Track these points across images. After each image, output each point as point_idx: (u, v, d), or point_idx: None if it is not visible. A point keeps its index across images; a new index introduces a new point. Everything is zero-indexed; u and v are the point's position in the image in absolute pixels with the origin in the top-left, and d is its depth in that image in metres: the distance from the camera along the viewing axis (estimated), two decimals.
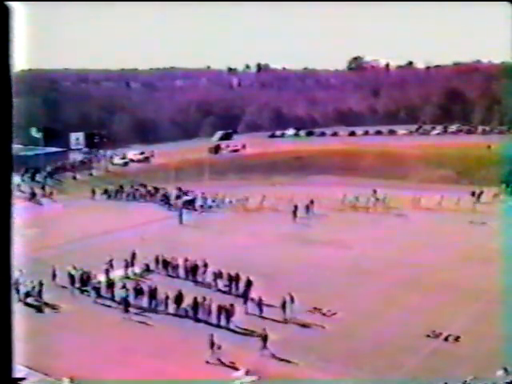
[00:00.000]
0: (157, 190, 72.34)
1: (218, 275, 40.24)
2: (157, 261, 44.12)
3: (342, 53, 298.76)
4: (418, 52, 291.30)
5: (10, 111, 5.43)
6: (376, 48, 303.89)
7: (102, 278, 40.37)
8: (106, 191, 72.51)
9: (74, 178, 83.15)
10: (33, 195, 70.70)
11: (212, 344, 29.91)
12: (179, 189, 70.20)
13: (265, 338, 30.57)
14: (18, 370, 10.10)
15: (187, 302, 35.54)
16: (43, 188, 74.08)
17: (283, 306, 34.36)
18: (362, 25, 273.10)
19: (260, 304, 35.73)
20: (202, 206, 66.28)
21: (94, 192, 71.59)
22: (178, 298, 36.05)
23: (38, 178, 79.56)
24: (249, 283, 38.05)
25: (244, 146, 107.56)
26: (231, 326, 33.18)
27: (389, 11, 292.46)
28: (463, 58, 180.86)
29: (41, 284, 38.26)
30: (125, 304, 36.63)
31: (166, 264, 43.73)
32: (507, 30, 18.44)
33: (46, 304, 37.63)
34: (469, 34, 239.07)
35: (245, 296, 37.03)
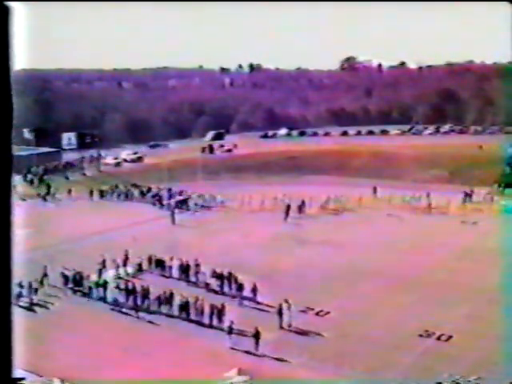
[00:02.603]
0: (149, 189, 72.26)
1: (210, 275, 40.34)
2: (149, 261, 44.13)
3: (335, 53, 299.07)
4: (417, 52, 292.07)
5: (9, 111, 5.44)
6: (376, 49, 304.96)
7: (94, 278, 40.33)
8: (98, 191, 72.23)
9: (67, 178, 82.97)
10: (46, 195, 71.11)
11: (230, 331, 31.02)
12: (171, 189, 70.11)
13: (257, 337, 30.68)
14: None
15: (181, 302, 35.65)
16: (48, 187, 74.05)
17: (279, 312, 33.74)
18: (359, 25, 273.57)
19: (254, 291, 37.09)
20: (195, 206, 66.30)
21: (91, 193, 71.45)
22: (170, 298, 36.10)
23: (30, 178, 79.32)
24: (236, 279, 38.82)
25: (235, 146, 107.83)
26: (224, 326, 33.11)
27: (386, 12, 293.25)
28: (463, 58, 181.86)
29: (33, 284, 38.21)
30: (116, 304, 36.68)
31: (158, 264, 43.73)
32: (507, 30, 18.49)
33: (39, 305, 37.62)
34: (469, 34, 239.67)
35: (239, 289, 37.87)
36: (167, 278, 42.46)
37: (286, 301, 34.12)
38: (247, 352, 30.55)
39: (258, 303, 36.90)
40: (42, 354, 28.88)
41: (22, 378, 17.04)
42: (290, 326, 33.48)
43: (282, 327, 33.37)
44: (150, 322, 35.04)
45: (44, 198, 70.73)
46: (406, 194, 65.10)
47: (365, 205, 63.50)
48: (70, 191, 72.24)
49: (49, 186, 74.53)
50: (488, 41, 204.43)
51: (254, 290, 37.56)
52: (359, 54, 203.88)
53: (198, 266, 41.80)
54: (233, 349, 30.83)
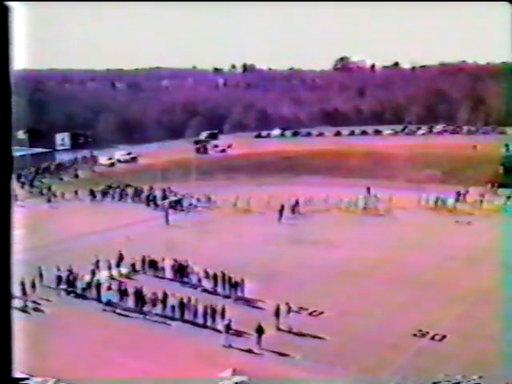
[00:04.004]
0: (143, 190, 72.13)
1: (204, 275, 40.38)
2: (143, 261, 44.08)
3: (328, 53, 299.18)
4: (416, 53, 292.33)
5: (8, 111, 5.41)
6: (369, 49, 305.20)
7: (88, 278, 40.27)
8: (92, 192, 72.10)
9: (60, 178, 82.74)
10: (52, 196, 71.17)
11: (228, 329, 31.48)
12: (165, 189, 70.05)
13: (260, 332, 30.95)
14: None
15: (175, 302, 35.66)
16: (50, 189, 73.92)
17: (277, 313, 33.56)
18: (352, 25, 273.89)
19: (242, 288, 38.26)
20: (188, 206, 66.25)
21: (92, 192, 71.63)
22: (164, 299, 36.07)
23: (23, 179, 78.93)
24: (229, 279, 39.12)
25: (230, 146, 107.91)
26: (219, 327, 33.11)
27: (381, 12, 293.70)
28: (463, 58, 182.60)
29: (25, 285, 38.11)
30: (110, 305, 36.71)
31: (152, 264, 43.68)
32: (507, 30, 18.56)
33: (33, 305, 37.55)
34: (469, 34, 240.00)
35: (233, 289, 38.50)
36: (161, 278, 42.45)
37: (287, 303, 34.17)
38: (245, 350, 30.80)
39: (250, 301, 37.21)
40: (36, 355, 28.78)
41: (25, 378, 16.92)
42: (290, 327, 33.42)
43: (279, 328, 33.29)
44: (144, 322, 35.06)
45: (49, 200, 70.55)
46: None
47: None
48: (65, 192, 72.26)
49: (49, 187, 74.45)
50: (488, 41, 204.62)
51: (242, 285, 38.37)
52: (352, 54, 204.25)
53: (191, 266, 41.83)
54: (230, 347, 31.10)
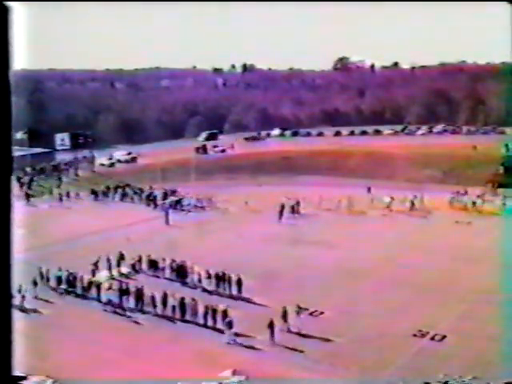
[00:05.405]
0: (143, 190, 72.11)
1: (204, 275, 40.39)
2: (143, 261, 44.08)
3: (328, 53, 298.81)
4: (416, 53, 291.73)
5: (8, 111, 5.40)
6: (369, 49, 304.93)
7: (88, 278, 40.27)
8: (93, 192, 72.06)
9: (60, 178, 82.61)
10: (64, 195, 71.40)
11: (230, 326, 31.75)
12: (165, 189, 70.04)
13: (272, 327, 31.29)
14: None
15: (174, 302, 35.69)
16: (59, 186, 73.99)
17: (284, 315, 33.28)
18: (352, 25, 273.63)
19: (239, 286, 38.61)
20: (188, 206, 66.26)
21: (94, 192, 71.72)
22: (164, 299, 36.06)
23: (22, 179, 78.76)
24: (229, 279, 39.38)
25: (233, 146, 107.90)
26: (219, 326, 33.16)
27: (382, 12, 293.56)
28: (463, 58, 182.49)
29: (26, 285, 38.10)
30: (110, 305, 36.74)
31: (152, 264, 43.67)
32: (507, 30, 18.59)
33: (33, 305, 37.55)
34: (469, 34, 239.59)
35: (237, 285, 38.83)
36: (161, 278, 42.44)
37: (298, 305, 34.22)
38: (247, 347, 31.13)
39: (250, 301, 37.39)
40: (35, 355, 28.80)
41: (24, 377, 16.93)
42: (288, 328, 33.35)
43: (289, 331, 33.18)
44: (144, 322, 35.08)
45: (60, 199, 70.50)
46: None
47: None
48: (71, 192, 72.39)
49: (59, 186, 74.51)
50: (488, 41, 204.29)
51: (242, 285, 38.65)
52: (352, 54, 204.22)
53: (191, 266, 41.81)
54: (230, 343, 31.48)
